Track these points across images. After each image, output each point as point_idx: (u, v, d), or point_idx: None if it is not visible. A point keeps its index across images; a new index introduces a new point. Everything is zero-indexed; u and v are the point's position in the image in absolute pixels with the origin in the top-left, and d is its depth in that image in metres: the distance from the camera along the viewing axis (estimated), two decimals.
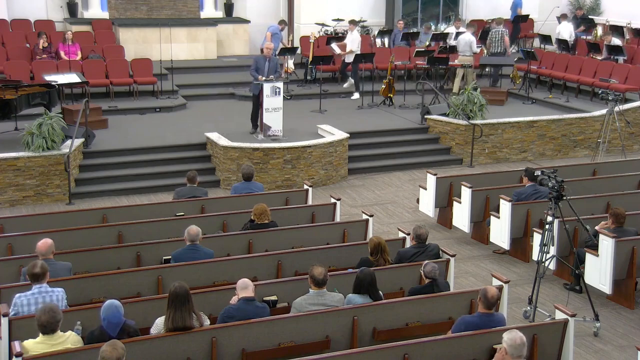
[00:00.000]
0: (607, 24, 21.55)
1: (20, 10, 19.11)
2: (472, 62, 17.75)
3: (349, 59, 17.56)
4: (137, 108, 16.20)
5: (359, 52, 17.46)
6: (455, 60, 17.83)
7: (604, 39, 19.27)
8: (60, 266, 7.71)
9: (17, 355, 6.07)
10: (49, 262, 7.29)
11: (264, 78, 13.78)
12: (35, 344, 6.17)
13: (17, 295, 6.93)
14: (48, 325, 6.10)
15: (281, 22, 19.03)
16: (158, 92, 16.93)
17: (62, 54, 16.94)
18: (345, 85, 18.28)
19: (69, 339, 6.26)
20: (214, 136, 13.67)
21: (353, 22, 18.01)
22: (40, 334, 6.17)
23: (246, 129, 14.41)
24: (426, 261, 7.70)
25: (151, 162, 13.50)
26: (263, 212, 9.14)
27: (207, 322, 6.84)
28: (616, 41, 18.68)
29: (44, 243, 7.55)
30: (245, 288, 6.91)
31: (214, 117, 15.69)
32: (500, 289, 7.41)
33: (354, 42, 17.82)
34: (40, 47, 16.91)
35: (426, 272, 7.54)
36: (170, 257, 8.36)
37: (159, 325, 6.67)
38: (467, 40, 17.78)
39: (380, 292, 7.40)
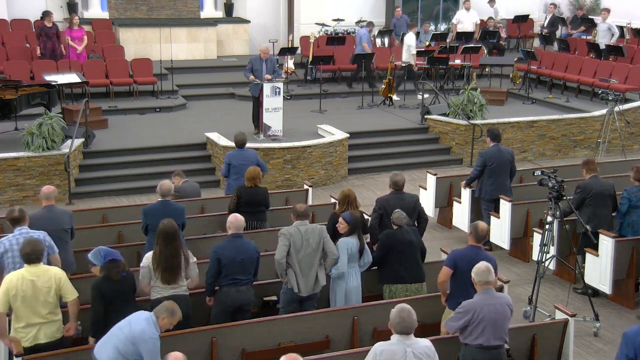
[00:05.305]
0: None
1: (20, 10, 19.09)
2: None
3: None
4: (137, 108, 16.20)
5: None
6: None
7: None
8: (59, 212, 8.18)
9: (17, 355, 6.08)
10: (50, 208, 8.00)
11: (254, 78, 13.85)
12: (15, 274, 6.38)
13: (1, 239, 7.17)
14: (31, 253, 6.39)
15: (369, 23, 19.06)
16: (158, 92, 16.93)
17: (68, 39, 16.64)
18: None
19: (52, 273, 6.47)
20: (214, 136, 13.67)
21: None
22: (25, 265, 6.43)
23: (246, 129, 14.36)
24: (396, 209, 8.00)
25: (151, 162, 13.50)
26: (254, 177, 9.29)
27: (193, 259, 7.11)
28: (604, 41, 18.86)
29: (48, 188, 8.19)
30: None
31: (214, 117, 15.69)
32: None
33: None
34: (49, 24, 16.53)
35: (394, 219, 7.87)
36: None
37: (148, 258, 6.95)
38: None
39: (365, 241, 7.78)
